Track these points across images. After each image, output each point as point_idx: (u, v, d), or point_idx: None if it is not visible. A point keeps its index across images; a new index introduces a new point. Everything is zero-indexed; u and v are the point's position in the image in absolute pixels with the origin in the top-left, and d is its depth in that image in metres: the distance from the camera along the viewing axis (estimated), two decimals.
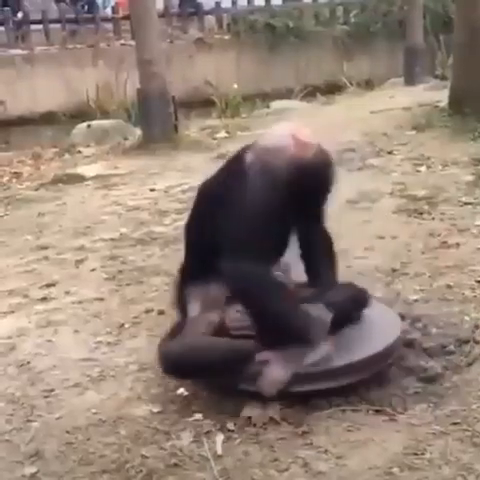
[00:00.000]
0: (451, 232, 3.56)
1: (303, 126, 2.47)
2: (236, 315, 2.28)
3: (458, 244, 3.40)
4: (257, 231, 2.24)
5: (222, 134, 6.87)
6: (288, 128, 2.40)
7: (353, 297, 2.45)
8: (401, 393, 2.28)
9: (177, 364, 2.26)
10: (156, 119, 6.52)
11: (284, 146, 2.28)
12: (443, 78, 9.00)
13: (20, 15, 12.31)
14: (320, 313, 2.26)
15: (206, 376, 2.27)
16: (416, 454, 1.96)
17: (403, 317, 2.64)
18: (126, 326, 2.87)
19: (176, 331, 2.37)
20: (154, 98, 6.52)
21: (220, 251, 2.23)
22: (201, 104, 9.84)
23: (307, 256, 2.51)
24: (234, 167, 2.40)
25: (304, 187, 2.28)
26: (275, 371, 2.15)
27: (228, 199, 2.30)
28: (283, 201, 2.26)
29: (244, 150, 2.40)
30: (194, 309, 2.38)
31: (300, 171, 2.26)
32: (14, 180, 6.02)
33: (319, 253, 2.51)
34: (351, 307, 2.41)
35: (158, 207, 4.56)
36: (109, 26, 12.67)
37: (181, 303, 2.46)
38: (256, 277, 2.22)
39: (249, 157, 2.33)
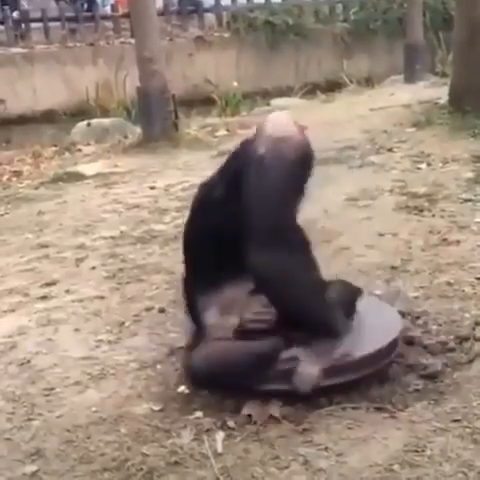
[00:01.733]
0: (451, 229, 3.56)
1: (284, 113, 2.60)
2: (253, 316, 2.27)
3: (458, 241, 3.40)
4: (286, 218, 2.23)
5: (222, 132, 6.88)
6: (286, 117, 2.47)
7: (349, 292, 2.47)
8: (401, 390, 2.28)
9: (208, 377, 2.21)
10: (156, 117, 6.51)
11: (292, 134, 2.33)
12: (443, 75, 9.00)
13: (15, 14, 12.30)
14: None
15: (238, 383, 2.21)
16: (417, 451, 1.96)
17: (403, 314, 2.65)
18: (126, 324, 2.87)
19: (195, 342, 2.32)
20: (154, 96, 6.51)
21: (242, 247, 2.18)
22: (201, 102, 9.84)
23: None
24: (240, 162, 2.37)
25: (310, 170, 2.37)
26: (308, 367, 2.14)
27: (244, 194, 2.26)
28: (303, 186, 2.33)
29: (247, 144, 2.39)
30: (211, 316, 2.33)
31: (307, 155, 2.35)
32: (14, 179, 6.03)
33: None
34: (348, 302, 2.43)
35: (158, 205, 4.56)
36: (109, 24, 12.66)
37: (194, 312, 2.40)
38: (290, 270, 2.18)
39: (260, 149, 2.30)
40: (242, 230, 2.19)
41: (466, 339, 2.51)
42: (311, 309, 2.21)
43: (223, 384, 2.21)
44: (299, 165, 2.31)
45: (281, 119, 2.43)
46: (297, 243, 2.22)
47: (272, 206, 2.22)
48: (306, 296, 2.21)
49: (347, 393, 2.23)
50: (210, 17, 12.97)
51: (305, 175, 2.36)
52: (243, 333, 2.26)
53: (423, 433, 2.03)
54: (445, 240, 3.43)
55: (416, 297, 2.85)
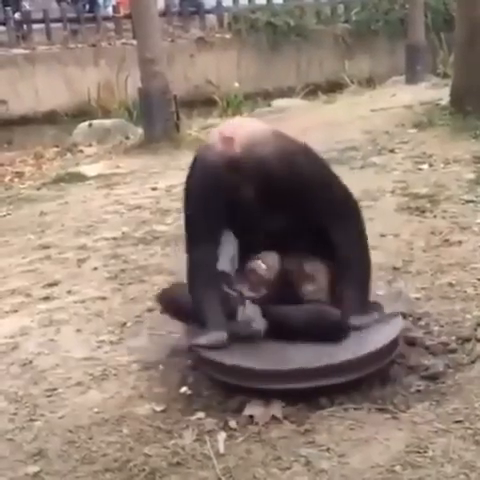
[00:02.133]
0: (453, 230, 3.56)
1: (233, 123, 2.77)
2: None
3: (460, 242, 3.40)
4: (189, 218, 2.52)
5: None
6: (221, 126, 2.63)
7: (310, 320, 2.40)
8: (403, 391, 2.28)
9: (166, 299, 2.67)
10: (158, 118, 6.52)
11: (213, 142, 2.48)
12: (444, 76, 8.99)
13: (17, 16, 12.32)
14: (252, 316, 2.41)
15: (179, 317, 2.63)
16: (418, 452, 1.96)
17: (405, 315, 2.64)
18: (128, 325, 2.88)
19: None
20: (156, 97, 6.52)
21: None
22: (202, 103, 9.85)
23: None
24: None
25: (245, 182, 2.41)
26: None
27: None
28: (220, 193, 2.41)
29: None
30: None
31: (230, 165, 2.40)
32: (16, 180, 6.04)
33: (341, 267, 2.54)
34: (302, 328, 2.38)
35: (160, 206, 4.56)
36: (110, 25, 12.67)
37: None
38: (189, 259, 2.51)
39: (195, 154, 2.57)
40: None
41: (468, 340, 2.51)
42: (192, 299, 2.49)
43: (169, 311, 2.66)
44: (211, 173, 2.41)
45: (217, 128, 2.62)
46: (198, 241, 2.48)
47: (185, 206, 2.53)
48: (191, 289, 2.50)
49: (349, 394, 2.24)
50: (211, 18, 12.98)
51: (224, 185, 2.40)
52: None
53: (425, 434, 2.03)
54: (447, 241, 3.43)
55: (418, 298, 2.86)
